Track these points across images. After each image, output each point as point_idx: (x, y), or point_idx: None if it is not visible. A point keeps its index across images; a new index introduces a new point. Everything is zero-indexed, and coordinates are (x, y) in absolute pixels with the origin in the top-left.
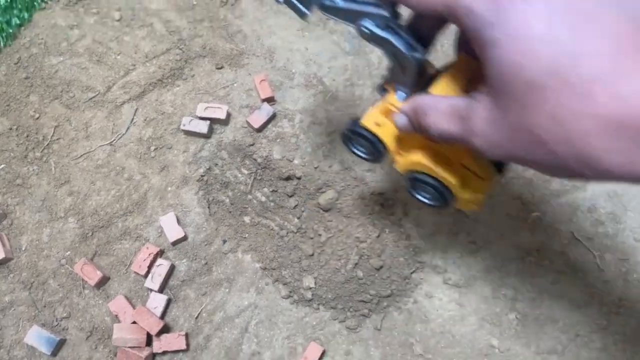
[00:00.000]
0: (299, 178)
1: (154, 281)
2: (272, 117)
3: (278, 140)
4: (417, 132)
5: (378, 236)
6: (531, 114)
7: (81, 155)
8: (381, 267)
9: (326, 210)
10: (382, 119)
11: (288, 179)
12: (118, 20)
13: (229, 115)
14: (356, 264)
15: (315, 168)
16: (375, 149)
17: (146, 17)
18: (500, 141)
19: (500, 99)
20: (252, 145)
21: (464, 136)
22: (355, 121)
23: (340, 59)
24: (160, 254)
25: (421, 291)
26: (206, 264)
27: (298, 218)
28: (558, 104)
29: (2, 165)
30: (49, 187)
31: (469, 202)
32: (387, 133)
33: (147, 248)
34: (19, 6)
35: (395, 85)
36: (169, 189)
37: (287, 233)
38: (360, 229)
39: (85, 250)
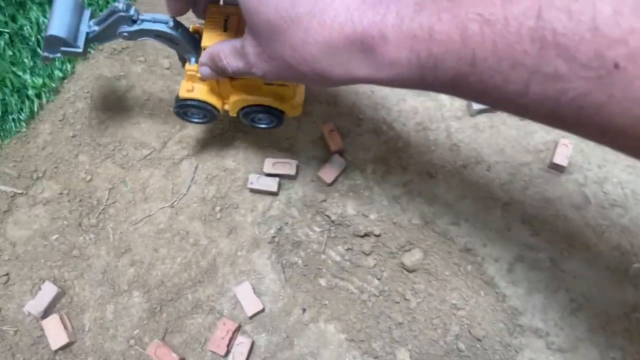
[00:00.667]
0: (377, 235)
1: None
2: (344, 170)
3: (351, 194)
4: (219, 75)
5: (475, 301)
6: (279, 47)
7: (141, 220)
8: (484, 336)
9: (411, 271)
10: (191, 85)
11: (365, 236)
12: (168, 69)
13: (297, 170)
14: (457, 334)
15: (394, 223)
16: (205, 110)
17: None
18: (269, 68)
19: (256, 37)
20: (324, 201)
21: (247, 69)
22: (176, 97)
23: (409, 101)
24: (238, 329)
25: (524, 358)
26: (287, 337)
27: (378, 279)
28: (292, 36)
29: (56, 236)
30: (109, 258)
31: (293, 108)
32: (202, 93)
33: (225, 324)
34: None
35: (185, 57)
36: (239, 253)
37: (369, 297)
38: (455, 293)
39: (154, 328)
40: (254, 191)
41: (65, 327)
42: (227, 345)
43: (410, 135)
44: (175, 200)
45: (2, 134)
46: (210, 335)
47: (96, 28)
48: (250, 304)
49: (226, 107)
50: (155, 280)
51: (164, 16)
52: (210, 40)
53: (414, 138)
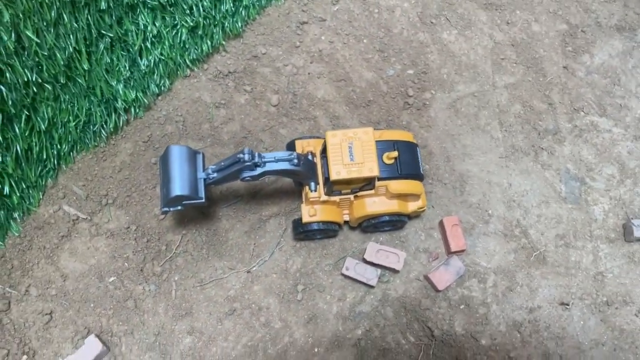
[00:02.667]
0: None
1: None
2: (460, 277)
3: (462, 307)
4: None
5: None
6: None
7: (210, 281)
8: None
9: None
10: (313, 209)
11: None
12: (275, 106)
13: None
14: None
15: (510, 358)
16: (328, 229)
17: (309, 108)
18: None
19: None
20: (428, 309)
21: None
22: (297, 223)
23: (553, 206)
24: None
25: None
26: None
27: None
28: None
29: (113, 278)
30: (166, 318)
31: (418, 210)
32: (325, 214)
33: None
34: (160, 71)
35: (304, 182)
36: (316, 350)
37: None
38: None
39: None
40: (347, 277)
41: None
42: None
43: (548, 249)
44: (254, 266)
45: (78, 146)
46: None
47: (215, 175)
48: None
49: (346, 217)
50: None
51: (285, 153)
52: (339, 174)
53: (551, 254)
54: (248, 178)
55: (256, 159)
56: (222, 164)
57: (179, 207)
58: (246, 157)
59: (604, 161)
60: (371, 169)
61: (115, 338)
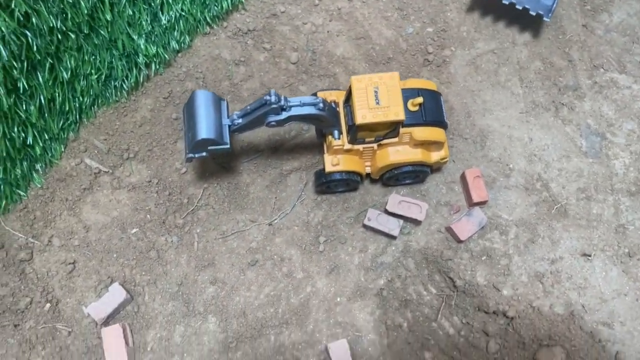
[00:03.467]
0: (509, 317)
1: None
2: (481, 227)
3: (484, 258)
4: None
5: None
6: None
7: (232, 233)
8: None
9: None
10: (336, 159)
11: (493, 313)
12: (294, 64)
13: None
14: None
15: (533, 307)
16: (350, 180)
17: (329, 65)
18: None
19: None
20: (450, 260)
21: None
22: (320, 173)
23: (574, 161)
24: None
25: None
26: None
27: None
28: None
29: (135, 230)
30: (189, 269)
31: (441, 161)
32: (348, 164)
33: None
34: (181, 28)
35: (328, 131)
36: (339, 299)
37: None
38: None
39: None
40: (368, 229)
41: (127, 342)
42: None
43: (569, 202)
44: (276, 219)
45: (100, 100)
46: None
47: (240, 121)
48: None
49: (368, 170)
50: (236, 309)
51: (310, 98)
52: (365, 117)
53: (573, 207)
54: (273, 123)
55: (282, 102)
56: (248, 108)
57: (204, 154)
58: (273, 98)
59: (624, 117)
60: (397, 113)
61: (139, 287)
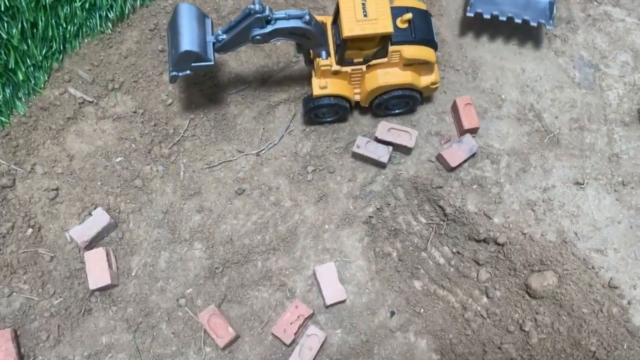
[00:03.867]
0: (500, 244)
1: (302, 357)
2: (472, 155)
3: (475, 187)
4: None
5: (618, 354)
6: None
7: (219, 163)
8: None
9: (537, 298)
10: (324, 81)
11: (482, 241)
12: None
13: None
14: None
15: (524, 234)
16: (338, 106)
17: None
18: None
19: None
20: (441, 187)
21: None
22: (308, 99)
23: (567, 91)
24: (310, 317)
25: None
26: (367, 341)
27: (489, 297)
28: None
29: (120, 159)
30: (175, 197)
31: (431, 86)
32: (336, 88)
33: (297, 307)
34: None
35: (316, 51)
36: (327, 227)
37: (474, 316)
38: (594, 338)
39: (211, 291)
40: (357, 157)
41: (110, 266)
42: (295, 334)
43: (562, 131)
44: (263, 149)
45: (84, 30)
46: (276, 315)
47: (224, 36)
48: (332, 291)
49: (357, 97)
50: (222, 236)
51: (297, 11)
52: (352, 30)
53: (565, 136)
54: (258, 37)
55: (267, 12)
56: (232, 22)
57: (188, 72)
58: (257, 7)
59: (618, 49)
60: (385, 26)
61: (123, 215)
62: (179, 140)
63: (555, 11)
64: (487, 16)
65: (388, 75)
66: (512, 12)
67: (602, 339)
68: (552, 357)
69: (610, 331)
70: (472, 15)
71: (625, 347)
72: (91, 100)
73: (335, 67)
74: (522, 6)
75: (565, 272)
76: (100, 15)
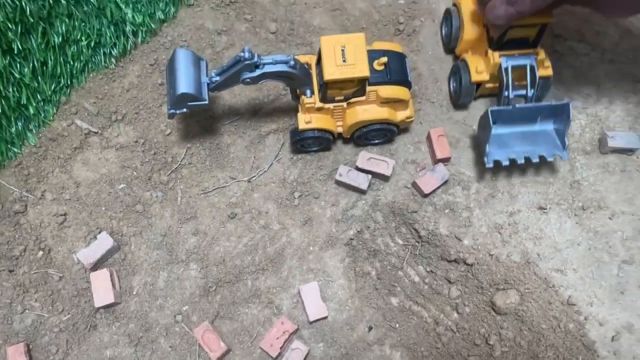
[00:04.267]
0: (469, 264)
1: None
2: (444, 183)
3: (447, 212)
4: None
5: None
6: None
7: (213, 189)
8: None
9: (501, 314)
10: (309, 117)
11: (453, 261)
12: (273, 33)
13: (392, 171)
14: None
15: (491, 255)
16: (322, 138)
17: (306, 35)
18: None
19: None
20: (416, 212)
21: None
22: (294, 131)
23: None
24: (295, 332)
25: None
26: (346, 354)
27: (459, 313)
28: None
29: (122, 185)
30: (172, 221)
31: (406, 120)
32: (319, 122)
33: (283, 323)
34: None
35: (301, 90)
36: (311, 248)
37: (445, 331)
38: (552, 351)
39: (205, 308)
40: (340, 184)
41: (114, 286)
42: (281, 347)
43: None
44: (254, 176)
45: (90, 66)
46: (264, 330)
47: (218, 78)
48: (315, 308)
49: (339, 129)
50: (216, 257)
51: (282, 56)
52: (332, 74)
53: (530, 165)
54: (248, 80)
55: (255, 59)
56: (224, 66)
57: (185, 110)
58: (246, 54)
59: (582, 82)
60: (362, 70)
61: (125, 238)
62: (176, 168)
63: (567, 141)
64: (506, 163)
65: (367, 111)
66: (526, 151)
67: (558, 352)
68: None
69: (567, 345)
70: (491, 165)
71: (580, 359)
72: (96, 131)
73: (319, 104)
74: (531, 140)
75: (527, 290)
76: (104, 52)
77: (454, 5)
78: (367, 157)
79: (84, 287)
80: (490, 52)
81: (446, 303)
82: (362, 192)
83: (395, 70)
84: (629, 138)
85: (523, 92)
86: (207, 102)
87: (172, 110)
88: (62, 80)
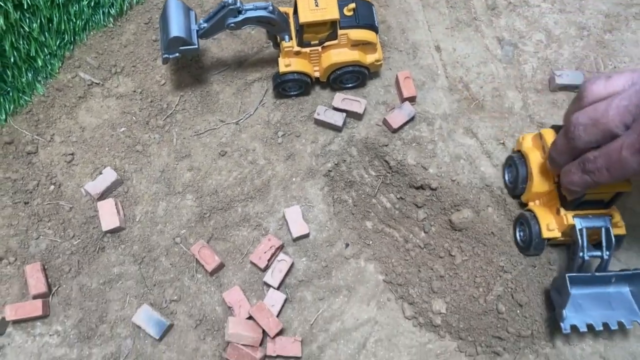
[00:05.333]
0: (433, 189)
1: (274, 277)
2: (411, 119)
3: (414, 145)
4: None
5: (523, 268)
6: None
7: (205, 131)
8: (526, 303)
9: (458, 230)
10: (288, 60)
11: (420, 188)
12: None
13: (364, 111)
14: (499, 296)
15: (453, 181)
16: (301, 81)
17: None
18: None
19: None
20: (386, 146)
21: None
22: (276, 75)
23: (490, 66)
24: (281, 248)
25: (562, 336)
26: (326, 266)
27: (426, 232)
28: None
29: (123, 129)
30: (169, 159)
31: (376, 63)
32: (298, 65)
33: (269, 240)
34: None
35: (280, 36)
36: (294, 179)
37: (414, 247)
38: (504, 257)
39: (201, 232)
40: (318, 123)
41: (118, 213)
42: (268, 260)
43: (486, 99)
44: (241, 119)
45: (90, 24)
46: (253, 249)
47: (205, 25)
48: (297, 226)
49: (317, 74)
50: (209, 189)
51: (262, 3)
52: (307, 17)
53: (488, 102)
54: (232, 24)
55: (238, 4)
56: (210, 13)
57: (177, 54)
58: (230, 0)
59: (534, 30)
60: (332, 12)
61: (127, 174)
62: (171, 114)
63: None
64: (583, 330)
65: (340, 54)
66: (603, 315)
67: (509, 257)
68: (472, 271)
69: (515, 251)
70: (568, 331)
71: (524, 263)
72: (98, 82)
73: (297, 49)
74: (606, 302)
75: (481, 208)
76: (103, 12)
77: (518, 151)
78: (342, 98)
79: (92, 215)
80: (562, 211)
81: (414, 225)
82: (339, 129)
83: (363, 15)
84: (574, 76)
85: (598, 253)
86: (197, 46)
87: (165, 55)
88: (66, 37)
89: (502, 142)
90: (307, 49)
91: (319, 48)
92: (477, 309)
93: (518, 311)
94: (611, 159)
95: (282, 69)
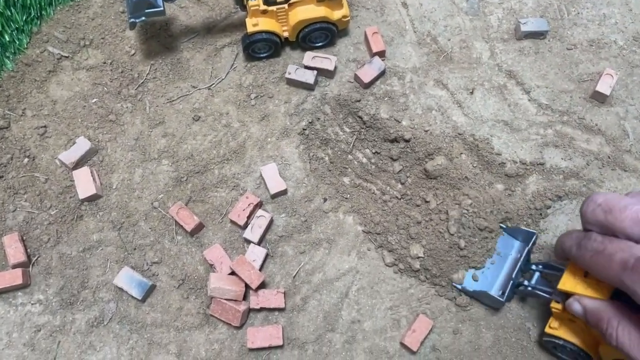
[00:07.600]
0: (407, 140)
1: (254, 233)
2: (382, 74)
3: (386, 99)
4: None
5: (483, 198)
6: None
7: (177, 97)
8: (485, 227)
9: (433, 178)
10: (255, 20)
11: (394, 141)
12: None
13: (335, 68)
14: (456, 219)
15: (426, 131)
16: (270, 41)
17: None
18: None
19: None
20: (358, 101)
21: None
22: (244, 36)
23: (456, 19)
24: (259, 205)
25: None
26: (305, 221)
27: (402, 184)
28: None
29: (95, 100)
30: (143, 127)
31: (343, 19)
32: (266, 25)
33: (247, 198)
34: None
35: None
36: (269, 139)
37: (391, 198)
38: (472, 191)
39: (179, 195)
40: (290, 83)
41: (94, 180)
42: (247, 217)
43: (454, 50)
44: (213, 84)
45: None
46: (232, 209)
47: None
48: (274, 183)
49: (285, 34)
50: (184, 153)
51: None
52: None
53: (456, 54)
54: None
55: None
56: None
57: (143, 18)
58: None
59: None
60: None
61: (102, 143)
62: (142, 82)
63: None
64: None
65: (306, 11)
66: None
67: (477, 198)
68: (443, 212)
69: (488, 190)
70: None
71: (493, 192)
72: (67, 55)
73: (263, 7)
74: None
75: (453, 155)
76: None
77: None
78: (312, 56)
79: (68, 185)
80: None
81: (391, 177)
82: (311, 88)
83: None
84: (538, 23)
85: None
86: (162, 8)
87: (132, 19)
88: (32, 12)
89: (471, 91)
90: (274, 7)
91: (286, 6)
92: (444, 246)
93: (477, 239)
94: (602, 256)
95: (250, 28)
